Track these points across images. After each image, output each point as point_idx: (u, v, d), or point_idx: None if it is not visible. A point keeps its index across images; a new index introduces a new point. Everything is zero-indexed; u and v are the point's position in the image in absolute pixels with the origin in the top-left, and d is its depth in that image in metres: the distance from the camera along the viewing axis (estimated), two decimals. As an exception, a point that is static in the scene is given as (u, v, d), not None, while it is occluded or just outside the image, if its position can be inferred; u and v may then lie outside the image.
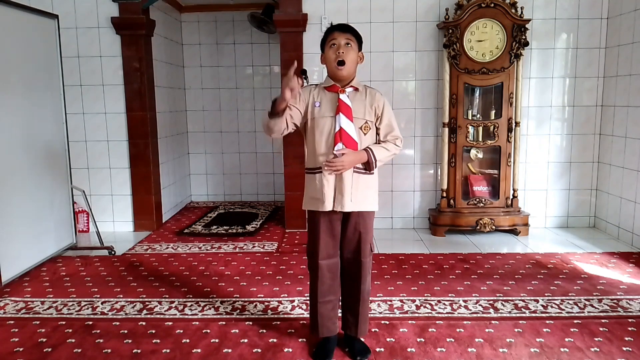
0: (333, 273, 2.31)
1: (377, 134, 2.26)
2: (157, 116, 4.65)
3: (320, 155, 2.18)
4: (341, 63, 2.13)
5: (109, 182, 4.52)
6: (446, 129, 4.18)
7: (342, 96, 2.17)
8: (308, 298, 2.89)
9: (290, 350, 2.38)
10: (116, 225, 4.57)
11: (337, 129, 2.13)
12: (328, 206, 2.18)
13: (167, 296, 3.04)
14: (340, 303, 2.41)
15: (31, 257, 3.48)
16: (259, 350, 2.37)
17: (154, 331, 2.58)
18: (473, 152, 4.29)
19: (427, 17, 4.30)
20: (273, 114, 2.08)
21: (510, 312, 2.75)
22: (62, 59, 3.84)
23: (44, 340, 2.50)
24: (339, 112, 2.14)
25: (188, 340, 2.47)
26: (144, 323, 2.67)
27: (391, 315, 2.72)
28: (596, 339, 2.44)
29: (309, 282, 2.38)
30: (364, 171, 2.20)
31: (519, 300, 2.90)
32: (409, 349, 2.36)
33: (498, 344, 2.40)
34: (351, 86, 2.21)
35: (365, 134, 2.19)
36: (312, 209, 2.24)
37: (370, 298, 2.89)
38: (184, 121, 5.65)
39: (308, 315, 2.68)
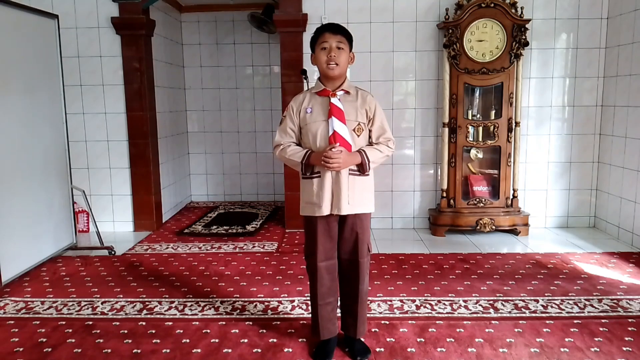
0: (331, 274, 2.31)
1: (370, 136, 2.27)
2: (157, 116, 4.65)
3: None
4: (332, 65, 2.14)
5: (109, 182, 4.52)
6: (446, 129, 4.18)
7: (334, 100, 2.18)
8: (308, 298, 2.90)
9: (290, 350, 2.38)
10: (116, 225, 4.57)
11: (331, 132, 2.14)
12: (325, 210, 2.18)
13: (167, 296, 3.04)
14: (339, 304, 2.41)
15: (31, 257, 3.48)
16: (259, 350, 2.37)
17: (154, 331, 2.58)
18: (473, 152, 4.29)
19: (427, 17, 4.30)
20: (307, 166, 2.19)
21: (510, 312, 2.75)
22: (62, 59, 3.84)
23: (44, 340, 2.50)
24: (331, 115, 2.15)
25: (188, 340, 2.47)
26: (144, 323, 2.67)
27: (391, 315, 2.72)
28: (596, 339, 2.44)
29: (309, 284, 2.38)
30: (358, 173, 2.21)
31: (519, 300, 2.90)
32: (409, 349, 2.36)
33: (498, 344, 2.40)
34: (342, 89, 2.21)
35: (358, 136, 2.20)
36: (309, 214, 2.25)
37: (371, 298, 2.90)
38: (184, 121, 5.65)
39: (308, 315, 2.69)
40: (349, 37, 2.20)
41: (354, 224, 2.25)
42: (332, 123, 2.14)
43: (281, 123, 2.30)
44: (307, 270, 2.35)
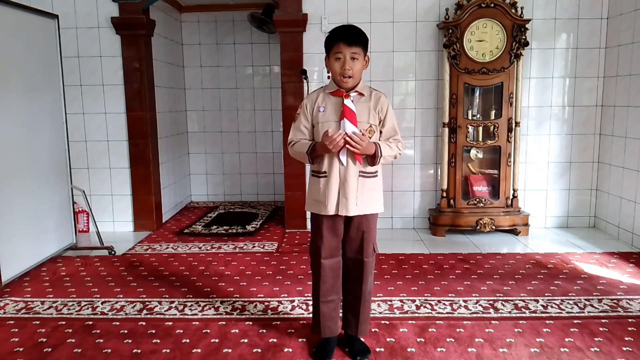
0: (335, 272, 2.31)
1: (380, 137, 2.26)
2: (157, 116, 4.65)
3: (326, 158, 2.19)
4: (346, 79, 2.13)
5: (109, 182, 4.52)
6: (446, 129, 4.18)
7: (347, 101, 2.17)
8: (308, 298, 2.91)
9: (290, 350, 2.38)
10: (116, 225, 4.57)
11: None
12: (331, 210, 2.19)
13: (167, 296, 3.04)
14: (341, 303, 2.41)
15: (31, 257, 3.48)
16: (259, 350, 2.37)
17: (154, 331, 2.58)
18: (473, 152, 4.29)
19: (427, 17, 4.30)
20: (314, 157, 2.19)
21: (510, 312, 2.75)
22: (62, 59, 3.84)
23: (44, 340, 2.50)
24: (343, 117, 2.14)
25: (188, 340, 2.47)
26: (144, 323, 2.67)
27: (391, 315, 2.72)
28: (596, 339, 2.44)
29: (310, 282, 2.39)
30: (368, 174, 2.21)
31: (519, 300, 2.90)
32: (409, 349, 2.36)
33: (498, 344, 2.40)
34: (356, 91, 2.21)
35: (370, 138, 2.19)
36: (315, 212, 2.25)
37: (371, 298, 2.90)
38: (184, 121, 5.65)
39: (308, 315, 2.69)
40: (364, 45, 2.18)
41: (360, 223, 2.25)
42: (343, 125, 2.13)
43: (295, 120, 2.30)
44: (311, 266, 2.35)
